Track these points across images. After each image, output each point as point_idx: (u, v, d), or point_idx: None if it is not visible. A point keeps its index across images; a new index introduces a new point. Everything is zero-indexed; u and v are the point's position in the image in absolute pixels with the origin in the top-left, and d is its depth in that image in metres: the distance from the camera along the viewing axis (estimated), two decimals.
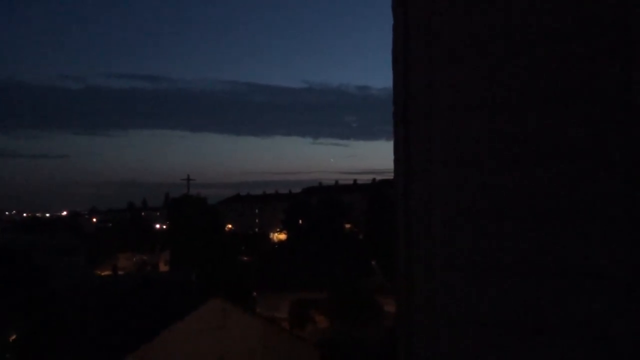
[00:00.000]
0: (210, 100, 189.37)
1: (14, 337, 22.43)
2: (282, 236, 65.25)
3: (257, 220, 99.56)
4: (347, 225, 53.08)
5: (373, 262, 45.40)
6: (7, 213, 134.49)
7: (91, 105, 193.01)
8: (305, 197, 69.43)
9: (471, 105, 1.69)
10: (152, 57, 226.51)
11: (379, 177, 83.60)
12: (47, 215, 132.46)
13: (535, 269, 1.54)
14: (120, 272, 49.56)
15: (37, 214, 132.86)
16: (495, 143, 1.64)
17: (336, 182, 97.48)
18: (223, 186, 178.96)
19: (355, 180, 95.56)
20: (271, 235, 78.54)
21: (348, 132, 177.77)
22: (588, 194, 1.49)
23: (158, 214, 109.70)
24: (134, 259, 62.30)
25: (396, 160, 1.92)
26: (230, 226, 77.59)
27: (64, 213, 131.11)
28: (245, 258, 51.37)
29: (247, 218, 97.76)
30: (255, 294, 38.36)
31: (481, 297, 1.64)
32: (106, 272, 51.51)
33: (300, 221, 54.95)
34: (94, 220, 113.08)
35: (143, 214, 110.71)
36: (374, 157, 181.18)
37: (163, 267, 56.56)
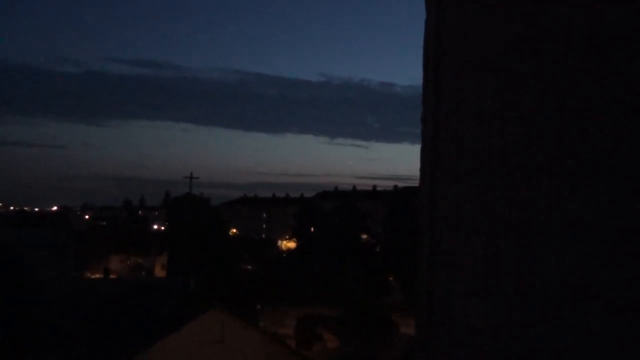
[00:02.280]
0: (218, 92, 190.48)
1: None
2: (292, 244, 65.36)
3: (264, 226, 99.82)
4: (364, 236, 53.00)
5: (391, 278, 45.30)
6: None
7: (90, 92, 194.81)
8: (318, 202, 69.48)
9: (502, 112, 1.70)
10: (158, 42, 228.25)
11: (401, 184, 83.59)
12: (36, 209, 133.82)
13: (566, 296, 1.54)
14: (112, 276, 49.98)
15: (25, 208, 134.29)
16: (528, 153, 1.65)
17: (353, 187, 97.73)
18: (228, 186, 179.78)
19: (374, 186, 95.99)
20: (279, 242, 78.64)
21: (369, 133, 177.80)
22: (616, 215, 1.49)
23: (156, 213, 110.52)
24: (128, 262, 62.77)
25: (422, 167, 1.93)
26: (234, 230, 77.83)
27: (54, 208, 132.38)
28: (249, 267, 51.49)
29: (253, 222, 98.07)
30: (259, 306, 38.43)
31: (505, 324, 1.64)
32: (97, 275, 51.94)
33: (312, 229, 54.98)
34: (86, 217, 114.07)
35: (140, 212, 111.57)
36: (396, 161, 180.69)
37: (159, 272, 56.92)
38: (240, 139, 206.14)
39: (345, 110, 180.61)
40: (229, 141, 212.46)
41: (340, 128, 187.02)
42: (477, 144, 1.75)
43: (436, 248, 1.84)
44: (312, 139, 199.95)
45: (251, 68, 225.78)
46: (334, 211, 53.73)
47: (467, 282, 1.72)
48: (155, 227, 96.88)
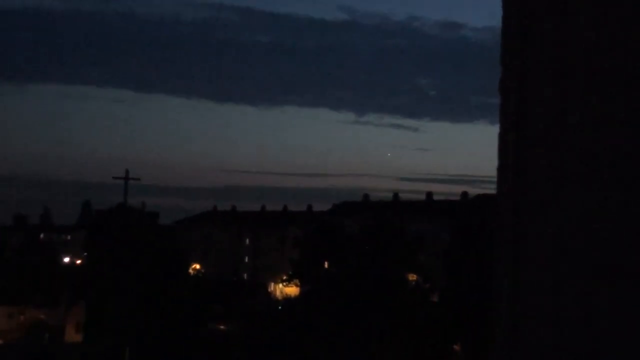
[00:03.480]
0: (174, 39, 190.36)
1: None
2: (292, 290, 65.38)
3: (247, 259, 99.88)
4: (412, 277, 53.04)
5: (456, 347, 45.25)
6: None
7: None
8: (336, 220, 69.49)
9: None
10: None
11: (473, 191, 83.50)
12: None
13: None
14: None
15: None
16: None
17: (395, 194, 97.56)
18: (189, 193, 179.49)
19: (429, 194, 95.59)
20: (272, 287, 78.66)
21: (420, 106, 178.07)
22: None
23: (69, 237, 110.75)
24: (22, 318, 63.01)
25: (501, 164, 1.98)
26: (197, 266, 78.05)
27: None
28: (222, 327, 51.66)
29: (228, 253, 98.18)
30: None
31: None
32: None
33: (325, 264, 54.97)
34: None
35: (42, 236, 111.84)
36: (465, 152, 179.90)
37: (72, 335, 57.12)
38: (208, 116, 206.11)
39: (383, 68, 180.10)
40: (191, 119, 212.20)
41: (374, 98, 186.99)
42: (586, 130, 1.81)
43: (521, 297, 1.90)
44: (329, 116, 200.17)
45: (234, 0, 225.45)
46: (362, 235, 53.70)
47: (561, 344, 1.78)
48: (67, 260, 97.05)
